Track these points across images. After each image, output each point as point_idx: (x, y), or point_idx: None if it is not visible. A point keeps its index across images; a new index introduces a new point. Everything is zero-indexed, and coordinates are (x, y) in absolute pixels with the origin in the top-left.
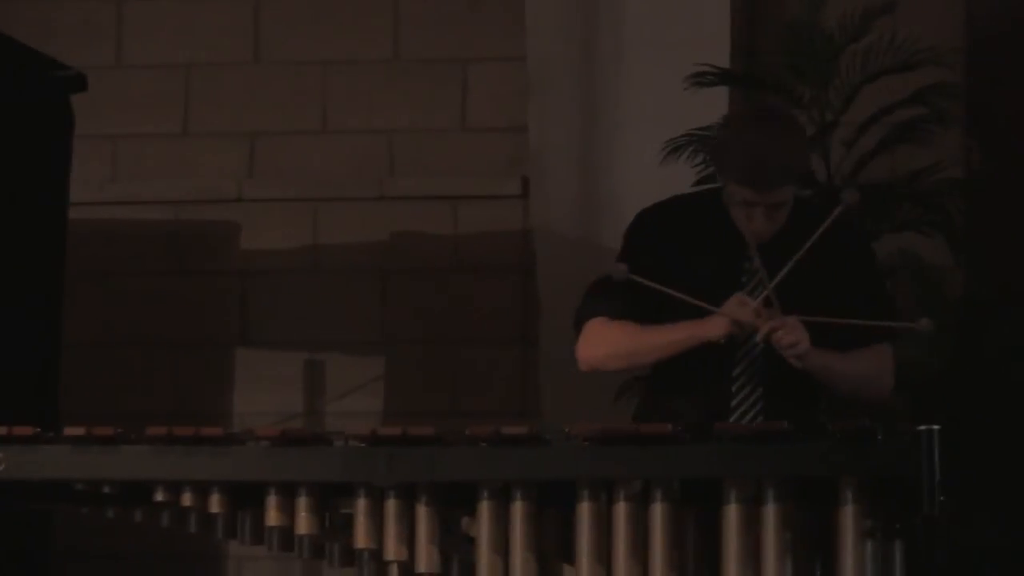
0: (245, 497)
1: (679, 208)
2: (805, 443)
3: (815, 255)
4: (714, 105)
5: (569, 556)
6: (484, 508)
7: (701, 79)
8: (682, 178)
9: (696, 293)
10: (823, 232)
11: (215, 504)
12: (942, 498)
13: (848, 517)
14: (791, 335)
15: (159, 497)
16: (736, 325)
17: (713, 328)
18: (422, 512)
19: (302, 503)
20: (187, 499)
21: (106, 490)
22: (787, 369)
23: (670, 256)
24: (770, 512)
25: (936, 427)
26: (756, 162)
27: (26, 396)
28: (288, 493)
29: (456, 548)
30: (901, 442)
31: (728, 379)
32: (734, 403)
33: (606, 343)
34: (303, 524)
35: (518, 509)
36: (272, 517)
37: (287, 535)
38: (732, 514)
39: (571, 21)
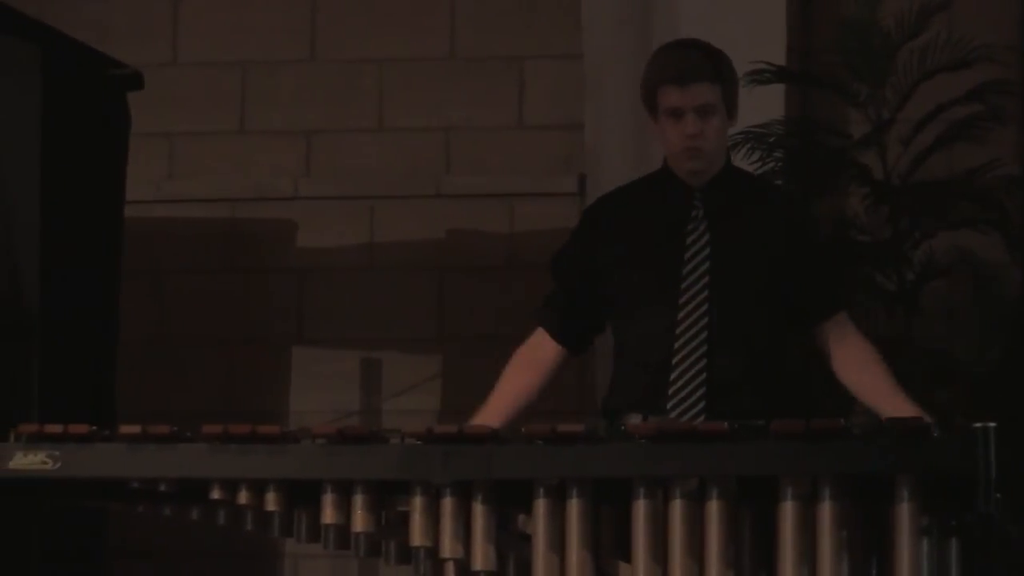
0: (301, 495)
1: (630, 186)
2: (861, 440)
3: (758, 225)
4: (770, 103)
5: (625, 554)
6: (540, 506)
7: (757, 77)
8: None
9: (644, 248)
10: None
11: (271, 502)
12: (998, 495)
13: (904, 515)
14: None
15: (215, 495)
16: None
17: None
18: (478, 510)
19: (358, 501)
20: (243, 497)
21: (162, 488)
22: (730, 351)
23: (621, 225)
24: (826, 510)
25: (992, 424)
26: (676, 58)
27: (83, 394)
28: (344, 491)
29: (512, 546)
30: (957, 439)
31: (669, 366)
32: (672, 391)
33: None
34: (359, 522)
35: (574, 507)
36: (328, 515)
37: (343, 533)
38: (787, 512)
39: (627, 18)
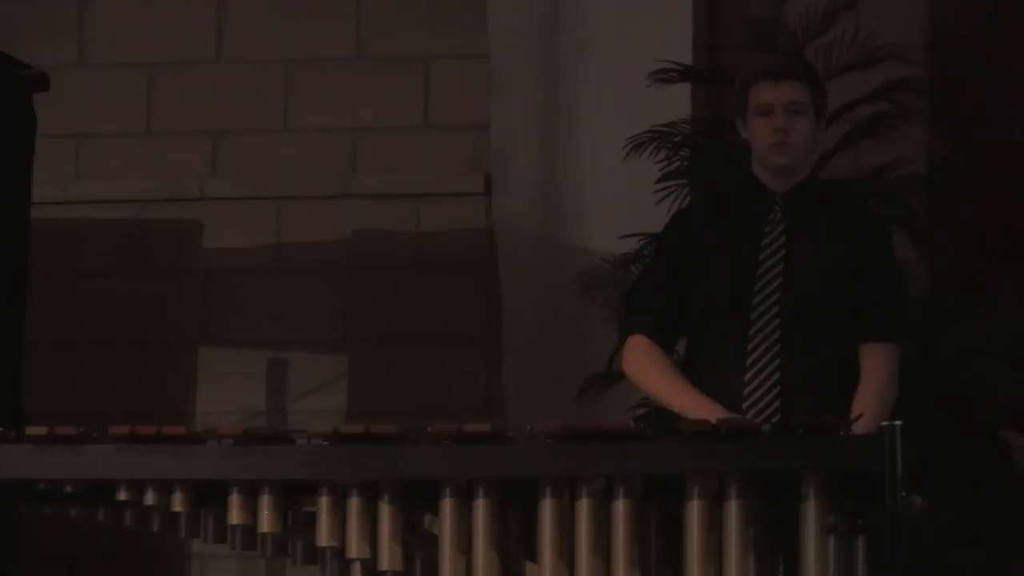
0: (208, 495)
1: (715, 194)
2: (767, 439)
3: (837, 237)
4: (676, 102)
5: (532, 553)
6: (447, 505)
7: (663, 76)
8: (645, 175)
9: (723, 251)
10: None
11: (178, 503)
12: (904, 494)
13: (811, 513)
14: None
15: (122, 496)
16: None
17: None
18: (385, 510)
19: (265, 501)
20: (150, 498)
21: (69, 489)
22: (802, 353)
23: (705, 232)
24: (732, 508)
25: (899, 423)
26: (771, 59)
27: None
28: (251, 491)
29: (419, 545)
30: (864, 438)
31: (743, 368)
32: (747, 391)
33: (641, 375)
34: (266, 522)
35: (481, 506)
36: (235, 515)
37: (250, 533)
38: (694, 510)
39: (533, 18)
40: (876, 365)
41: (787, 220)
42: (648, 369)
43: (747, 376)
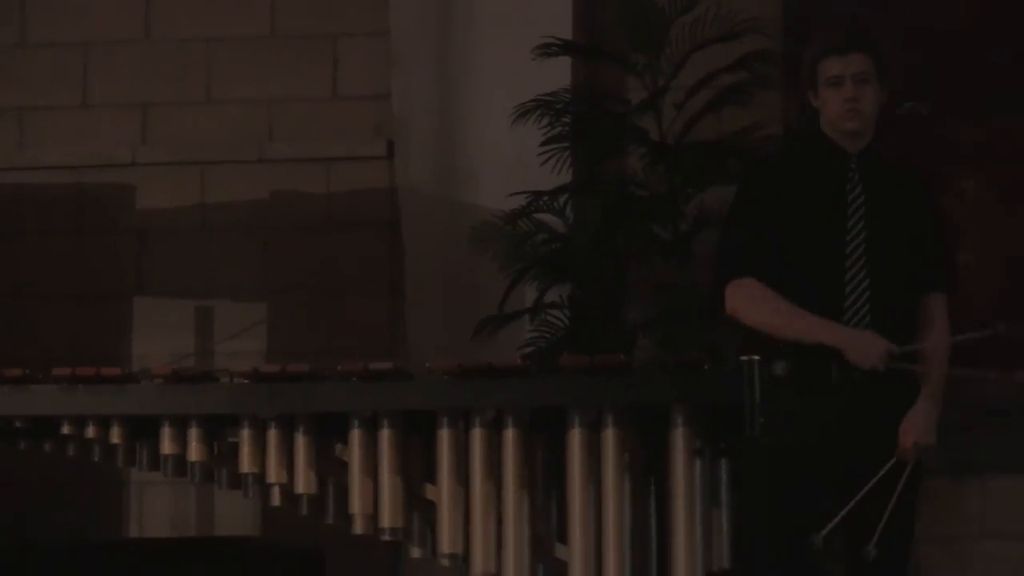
0: (142, 429)
1: (786, 153)
2: (639, 374)
3: (904, 196)
4: (558, 74)
5: (432, 477)
6: (355, 436)
7: (546, 50)
8: (531, 139)
9: (808, 205)
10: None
11: (116, 436)
12: (762, 420)
13: (679, 439)
14: (926, 438)
15: (66, 431)
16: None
17: (853, 350)
18: (300, 440)
19: (193, 434)
20: (91, 432)
21: (17, 425)
22: (890, 300)
23: (785, 187)
24: (609, 436)
25: (757, 358)
26: (837, 33)
27: None
28: (181, 425)
29: (331, 471)
30: (726, 372)
31: (839, 315)
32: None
33: (759, 312)
34: (194, 452)
35: (385, 436)
36: (167, 446)
37: (180, 462)
38: (575, 438)
39: None
40: (941, 312)
41: (864, 178)
42: (767, 302)
43: (844, 319)
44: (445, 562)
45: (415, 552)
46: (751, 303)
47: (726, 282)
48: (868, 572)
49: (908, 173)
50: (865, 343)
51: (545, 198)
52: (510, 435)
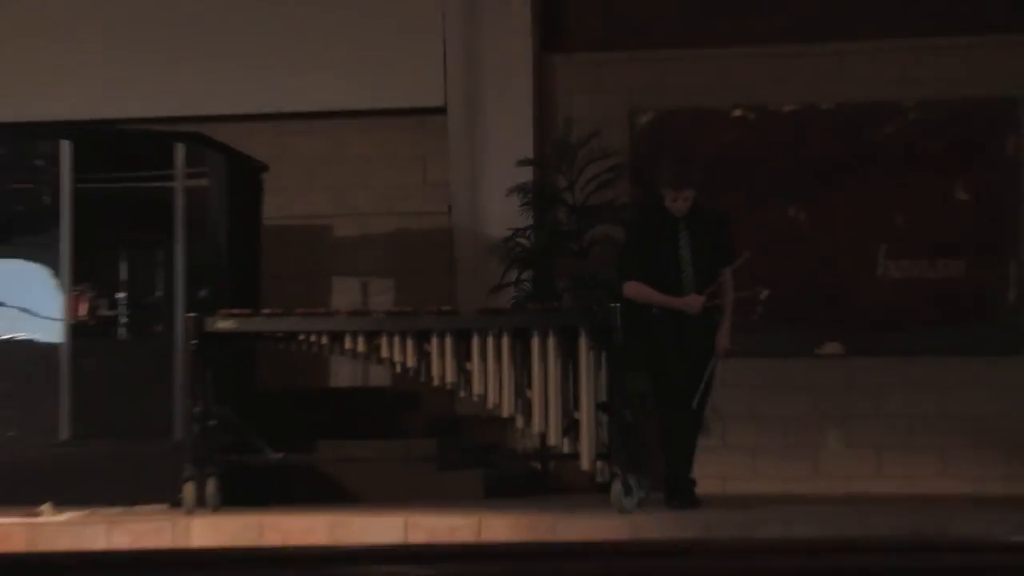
0: (340, 339)
1: (650, 215)
2: (564, 312)
3: (707, 231)
4: (527, 173)
5: (470, 358)
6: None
7: (522, 162)
8: (515, 202)
9: (660, 251)
10: (708, 222)
11: (348, 342)
12: (621, 335)
13: (584, 344)
14: (724, 345)
15: (314, 339)
16: (698, 304)
17: (686, 306)
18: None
19: (396, 340)
20: (324, 339)
21: (279, 335)
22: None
23: (651, 234)
24: (551, 341)
25: (618, 304)
26: (675, 172)
27: None
28: (389, 336)
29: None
30: (610, 308)
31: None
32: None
33: (640, 294)
34: (395, 353)
35: (445, 342)
36: (384, 351)
37: (377, 355)
38: (536, 342)
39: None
40: (727, 277)
41: (687, 226)
42: (644, 291)
43: (682, 292)
44: (475, 399)
45: (462, 394)
46: (636, 291)
47: (623, 281)
48: (691, 414)
49: (713, 214)
50: (689, 300)
51: (521, 230)
52: (505, 340)
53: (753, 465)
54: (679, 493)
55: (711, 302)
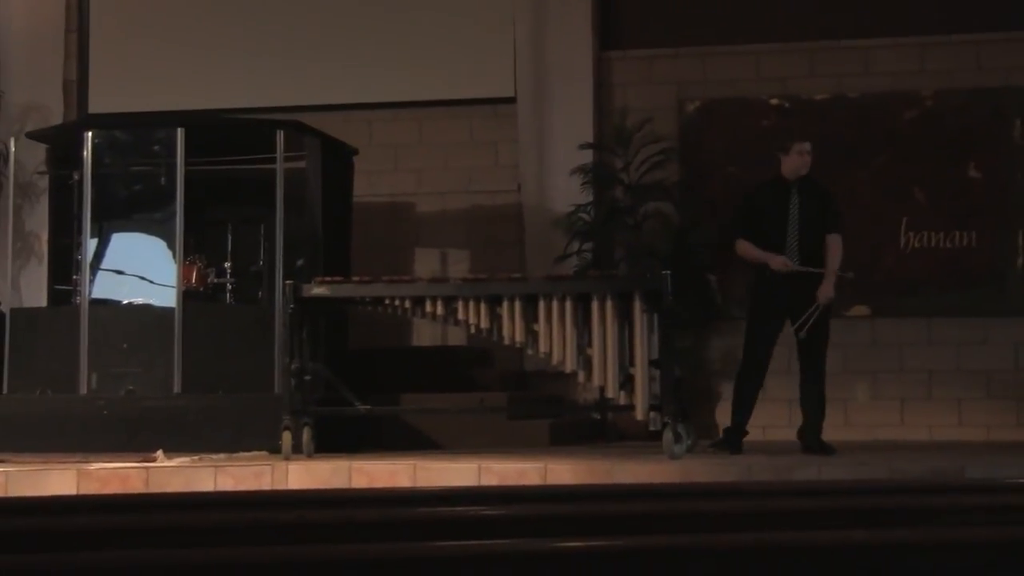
0: (421, 303)
1: (764, 183)
2: (622, 279)
3: (814, 197)
4: (588, 155)
5: (537, 319)
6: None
7: (584, 145)
8: (576, 181)
9: (771, 213)
10: (815, 190)
11: (428, 306)
12: (671, 299)
13: (637, 307)
14: (827, 292)
15: (398, 303)
16: (783, 265)
17: (777, 264)
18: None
19: (470, 304)
20: (408, 303)
21: (367, 299)
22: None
23: (763, 198)
24: (608, 304)
25: (669, 272)
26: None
27: None
28: (465, 302)
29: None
30: (659, 275)
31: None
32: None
33: (747, 252)
34: (470, 314)
35: (515, 305)
36: (460, 312)
37: (454, 318)
38: (595, 305)
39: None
40: (835, 242)
41: (799, 192)
42: (745, 247)
43: (786, 252)
44: (542, 356)
45: (529, 352)
46: (741, 248)
47: (735, 240)
48: (804, 345)
49: (820, 184)
50: (778, 259)
51: (582, 206)
52: (568, 304)
53: (789, 416)
54: (728, 440)
55: (803, 268)
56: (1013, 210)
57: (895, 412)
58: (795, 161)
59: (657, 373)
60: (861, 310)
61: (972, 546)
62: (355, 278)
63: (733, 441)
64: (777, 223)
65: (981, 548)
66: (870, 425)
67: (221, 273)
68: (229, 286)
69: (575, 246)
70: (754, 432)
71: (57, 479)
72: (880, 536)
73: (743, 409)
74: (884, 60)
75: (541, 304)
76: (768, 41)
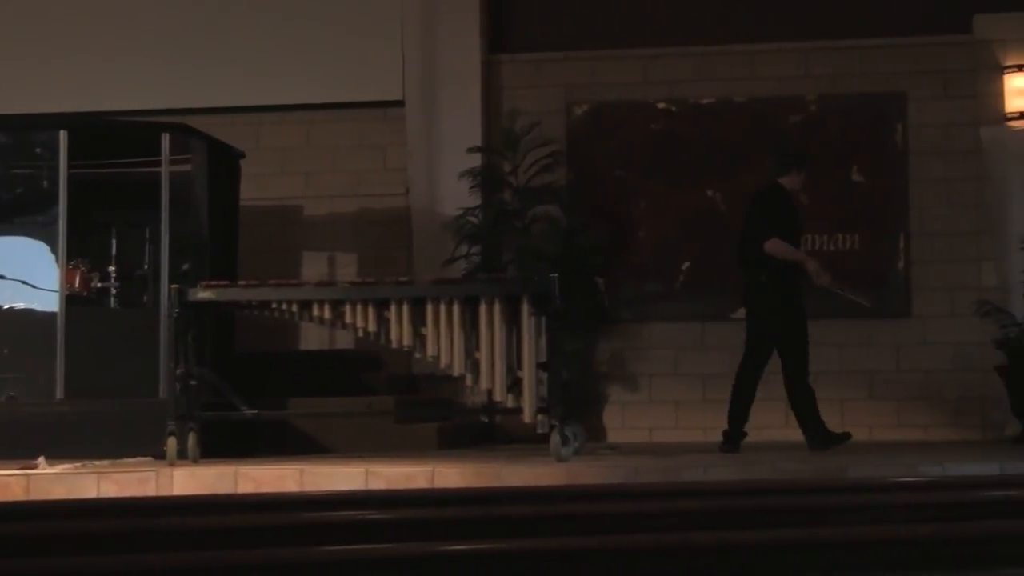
0: (309, 307)
1: (787, 192)
2: (509, 282)
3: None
4: (477, 159)
5: (424, 322)
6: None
7: (473, 149)
8: (465, 185)
9: (792, 224)
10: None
11: (316, 310)
12: (559, 302)
13: (525, 309)
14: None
15: (284, 307)
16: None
17: (812, 270)
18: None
19: (358, 308)
20: (295, 307)
21: (253, 303)
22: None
23: (788, 204)
24: (496, 308)
25: (557, 275)
26: (805, 158)
27: None
28: (352, 305)
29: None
30: (548, 279)
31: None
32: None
33: (781, 251)
34: (358, 318)
35: (403, 308)
36: (348, 316)
37: (341, 321)
38: (483, 309)
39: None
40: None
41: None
42: (785, 248)
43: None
44: (430, 360)
45: (417, 355)
46: (778, 246)
47: (767, 238)
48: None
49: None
50: (812, 263)
51: (471, 209)
52: (456, 307)
53: (787, 416)
54: (729, 440)
55: (840, 290)
56: (894, 214)
57: (780, 413)
58: (802, 180)
59: (545, 376)
60: (743, 313)
61: (853, 544)
62: (241, 282)
63: (732, 441)
64: (792, 231)
65: (861, 546)
66: (757, 426)
67: (105, 277)
68: (113, 290)
69: (463, 249)
70: (754, 432)
71: None
72: (764, 536)
73: (809, 410)
74: (770, 65)
75: (429, 308)
76: (656, 46)
